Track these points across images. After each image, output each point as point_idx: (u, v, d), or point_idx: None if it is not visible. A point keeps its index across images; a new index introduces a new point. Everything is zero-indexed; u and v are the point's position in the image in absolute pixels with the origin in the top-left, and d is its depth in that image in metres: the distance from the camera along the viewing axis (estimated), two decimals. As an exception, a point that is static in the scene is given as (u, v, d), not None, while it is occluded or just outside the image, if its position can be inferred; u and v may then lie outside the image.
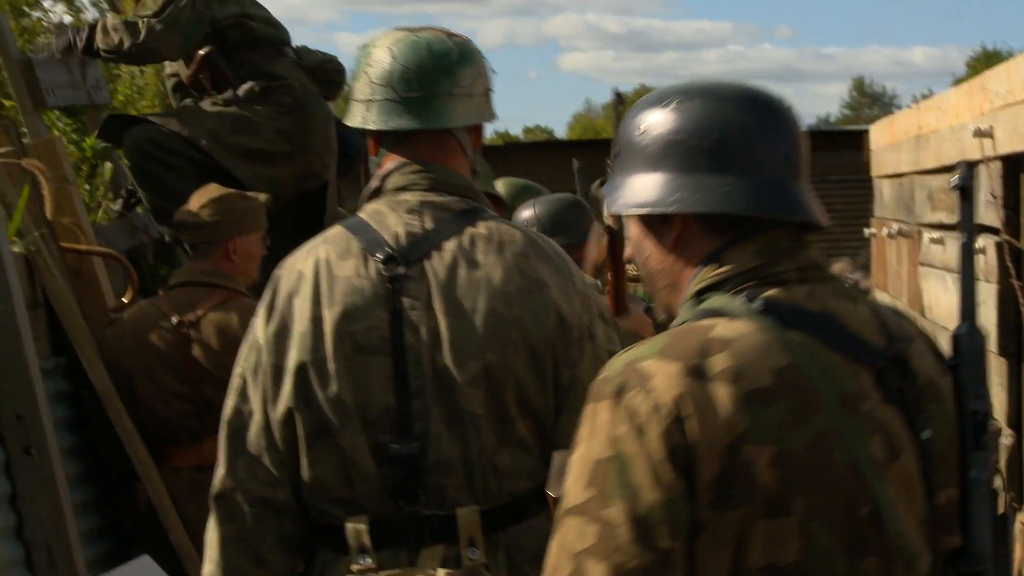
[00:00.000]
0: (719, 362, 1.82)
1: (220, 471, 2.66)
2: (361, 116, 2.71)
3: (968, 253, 1.92)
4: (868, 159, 7.25)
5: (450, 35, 2.73)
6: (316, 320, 2.59)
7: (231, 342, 4.48)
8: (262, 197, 4.74)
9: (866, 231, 7.15)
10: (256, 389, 2.64)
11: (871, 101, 67.86)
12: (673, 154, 1.93)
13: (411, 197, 2.67)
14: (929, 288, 5.25)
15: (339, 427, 2.58)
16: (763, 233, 1.92)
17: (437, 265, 2.61)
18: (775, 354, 1.84)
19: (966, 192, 1.90)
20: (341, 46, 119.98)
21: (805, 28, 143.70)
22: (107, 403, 4.47)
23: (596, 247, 4.28)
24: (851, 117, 64.18)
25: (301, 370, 2.59)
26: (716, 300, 1.90)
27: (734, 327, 1.86)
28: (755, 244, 1.92)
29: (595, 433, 1.84)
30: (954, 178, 1.92)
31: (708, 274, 1.93)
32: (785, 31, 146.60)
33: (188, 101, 5.42)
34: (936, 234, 5.03)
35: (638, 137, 1.97)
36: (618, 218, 3.50)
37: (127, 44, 5.24)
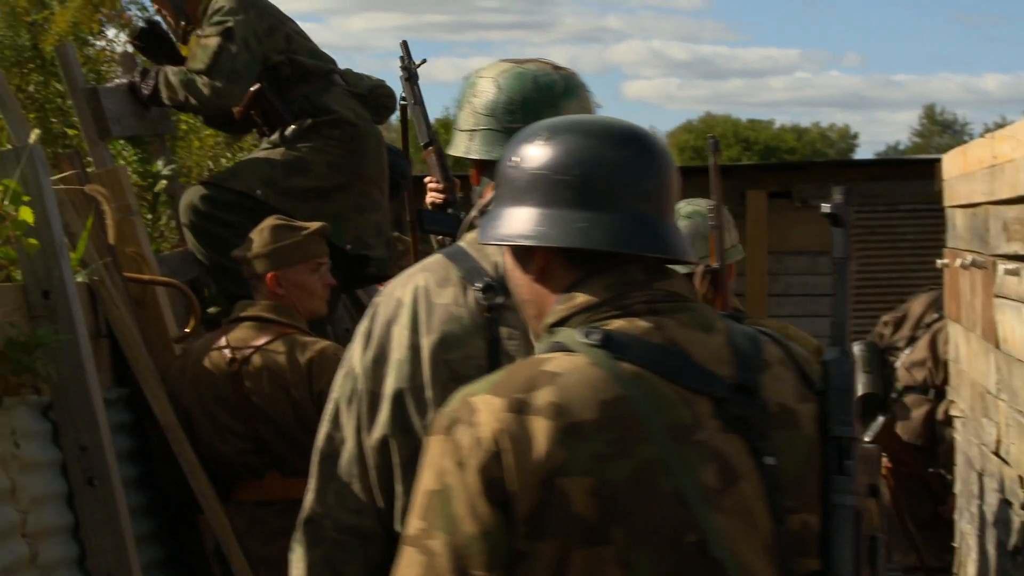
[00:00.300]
0: (542, 396, 1.90)
1: (310, 496, 2.66)
2: (464, 146, 2.73)
3: (842, 277, 1.99)
4: (940, 188, 7.14)
5: (556, 68, 2.74)
6: (414, 348, 2.57)
7: (277, 380, 4.45)
8: (313, 226, 4.70)
9: (938, 262, 7.03)
10: (350, 416, 2.63)
11: (942, 129, 67.28)
12: (538, 188, 2.02)
13: None
14: (1004, 320, 5.13)
15: None
16: (617, 267, 2.00)
17: None
18: (602, 387, 1.90)
19: (837, 219, 1.99)
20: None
21: (875, 55, 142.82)
22: (170, 435, 4.45)
23: (698, 282, 4.21)
24: (921, 145, 63.67)
25: (398, 397, 2.57)
26: (562, 334, 1.98)
27: (567, 361, 1.93)
28: (608, 278, 2.00)
29: (428, 465, 1.94)
30: (826, 205, 2.00)
31: (560, 307, 2.01)
32: (854, 58, 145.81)
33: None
34: (1012, 265, 4.92)
35: (510, 170, 2.07)
36: (720, 255, 3.58)
37: (193, 103, 5.30)
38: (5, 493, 3.65)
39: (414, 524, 1.93)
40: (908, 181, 9.22)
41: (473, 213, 2.74)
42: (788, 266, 9.21)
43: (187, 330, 4.83)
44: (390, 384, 2.58)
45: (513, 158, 2.07)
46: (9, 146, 4.39)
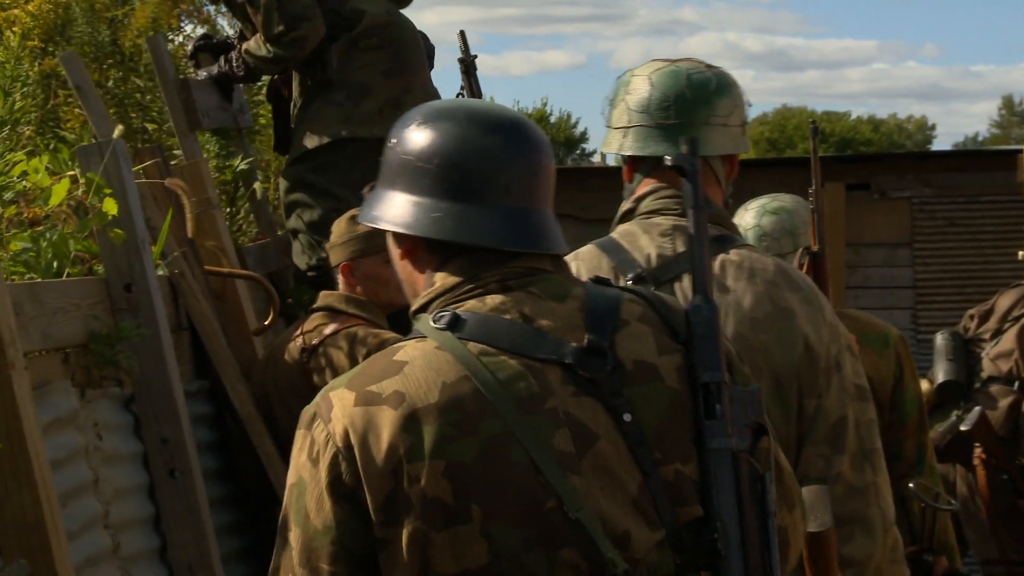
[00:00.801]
0: (389, 386, 1.96)
1: None
2: (618, 142, 2.80)
3: (701, 227, 2.04)
4: (1022, 179, 7.05)
5: (709, 66, 2.82)
6: None
7: (338, 373, 4.45)
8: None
9: (1020, 253, 6.95)
10: None
11: (1021, 120, 66.38)
12: (405, 174, 2.07)
13: (664, 221, 2.75)
14: (1089, 312, 5.06)
15: None
16: (470, 253, 2.04)
17: (687, 288, 2.63)
18: (445, 370, 1.96)
19: (683, 171, 2.04)
20: (478, 67, 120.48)
21: (953, 46, 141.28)
22: (249, 427, 4.48)
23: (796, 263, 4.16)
24: (1000, 136, 62.84)
25: None
26: (420, 320, 2.05)
27: (416, 348, 2.00)
28: (462, 260, 2.05)
29: (292, 459, 2.02)
30: (668, 158, 2.07)
31: (423, 293, 2.08)
32: (932, 49, 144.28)
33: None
34: (1096, 256, 4.85)
35: (387, 151, 2.11)
36: (820, 240, 3.59)
37: (283, 53, 5.17)
38: (88, 485, 3.69)
39: (281, 517, 2.03)
40: (988, 172, 9.10)
41: (625, 206, 2.79)
42: (866, 258, 9.10)
43: (266, 323, 4.85)
44: None
45: (392, 140, 2.11)
46: (92, 140, 4.43)
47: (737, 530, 1.94)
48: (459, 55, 5.55)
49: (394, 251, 2.12)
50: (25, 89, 3.19)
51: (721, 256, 2.69)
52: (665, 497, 1.96)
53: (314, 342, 4.48)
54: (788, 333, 2.65)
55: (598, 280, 2.12)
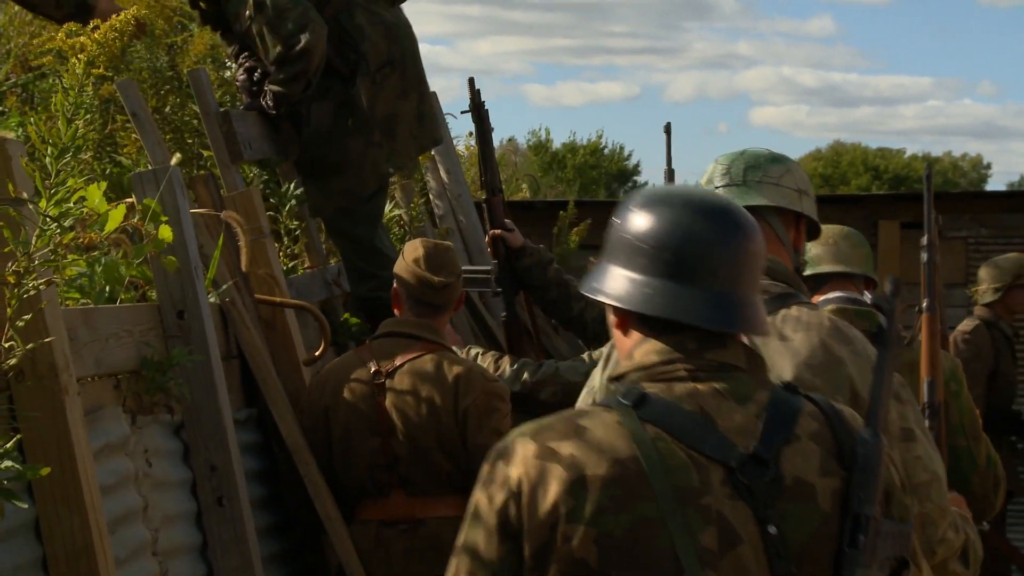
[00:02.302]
0: (567, 448, 2.14)
1: None
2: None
3: (886, 364, 2.29)
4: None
5: (768, 150, 3.21)
6: None
7: (422, 396, 4.46)
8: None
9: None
10: None
11: (1076, 159, 65.78)
12: (623, 251, 2.26)
13: None
14: None
15: None
16: (672, 333, 2.21)
17: (755, 337, 2.82)
18: (619, 445, 2.13)
19: (881, 309, 2.31)
20: (531, 97, 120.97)
21: (1010, 83, 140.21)
22: (297, 456, 4.48)
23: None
24: (1054, 176, 62.33)
25: None
26: (611, 391, 2.25)
27: (599, 417, 2.17)
28: (662, 342, 2.22)
29: (476, 488, 2.21)
30: (868, 296, 2.26)
31: (623, 364, 2.25)
32: (988, 87, 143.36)
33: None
34: None
35: (611, 230, 2.31)
36: (932, 292, 3.79)
37: (297, 75, 5.32)
38: (137, 511, 3.69)
39: (458, 538, 2.21)
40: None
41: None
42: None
43: (318, 353, 4.86)
44: None
45: (616, 219, 2.30)
46: (147, 167, 4.45)
47: None
48: (471, 102, 5.67)
49: (610, 319, 2.31)
50: (88, 116, 3.22)
51: (783, 311, 2.97)
52: None
53: (393, 367, 4.50)
54: (838, 379, 2.90)
55: (787, 387, 2.25)
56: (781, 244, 3.12)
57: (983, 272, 7.41)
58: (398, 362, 4.52)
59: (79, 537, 3.19)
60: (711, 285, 2.21)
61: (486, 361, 5.14)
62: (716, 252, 2.22)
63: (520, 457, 2.17)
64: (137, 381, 3.82)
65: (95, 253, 3.88)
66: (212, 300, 4.33)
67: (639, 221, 2.25)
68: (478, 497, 2.20)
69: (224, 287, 4.44)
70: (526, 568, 2.13)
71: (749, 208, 2.90)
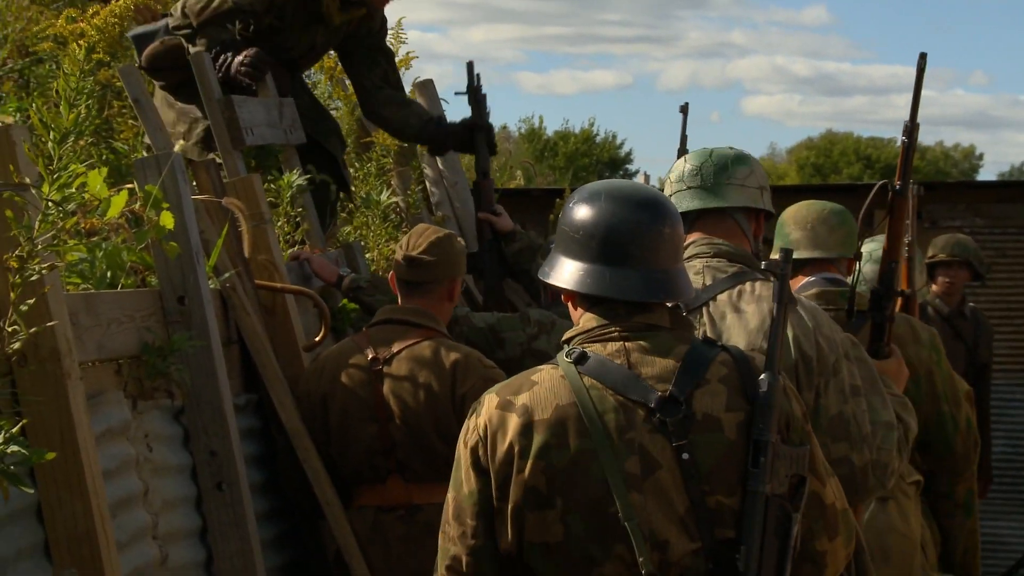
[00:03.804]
0: (521, 399, 2.70)
1: None
2: (678, 203, 3.60)
3: (782, 319, 2.72)
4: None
5: (732, 149, 3.66)
6: None
7: (420, 382, 4.47)
8: (462, 241, 4.76)
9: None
10: None
11: (1068, 150, 65.83)
12: (563, 241, 2.77)
13: (697, 263, 3.55)
14: None
15: None
16: (606, 304, 2.73)
17: (713, 311, 3.49)
18: (561, 395, 2.67)
19: (775, 273, 2.85)
20: (523, 85, 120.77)
21: (1002, 74, 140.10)
22: (296, 441, 4.49)
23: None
24: (1047, 166, 62.36)
25: None
26: (562, 351, 2.74)
27: (548, 372, 2.72)
28: (598, 311, 2.75)
29: (459, 438, 2.77)
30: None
31: (570, 330, 2.78)
32: (981, 77, 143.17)
33: None
34: None
35: (559, 224, 2.81)
36: (912, 283, 4.35)
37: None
38: (138, 496, 3.70)
39: (451, 478, 2.77)
40: (1038, 204, 9.03)
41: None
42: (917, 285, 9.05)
43: (318, 338, 4.86)
44: None
45: (561, 214, 2.79)
46: (145, 153, 4.46)
47: (757, 554, 2.59)
48: (470, 85, 5.67)
49: (563, 297, 2.82)
50: (89, 102, 3.22)
51: (739, 286, 3.51)
52: (706, 519, 2.60)
53: (391, 353, 4.51)
54: (784, 342, 3.28)
55: (706, 340, 2.74)
56: (744, 236, 3.64)
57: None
58: (396, 349, 4.53)
59: (81, 521, 3.20)
60: (634, 264, 2.71)
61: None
62: (635, 237, 2.70)
63: (486, 408, 2.72)
64: (138, 366, 3.83)
65: (95, 239, 3.88)
66: (213, 286, 4.34)
67: (572, 215, 2.76)
68: (460, 443, 2.74)
69: (226, 275, 4.44)
70: (495, 497, 2.68)
71: (718, 209, 3.58)
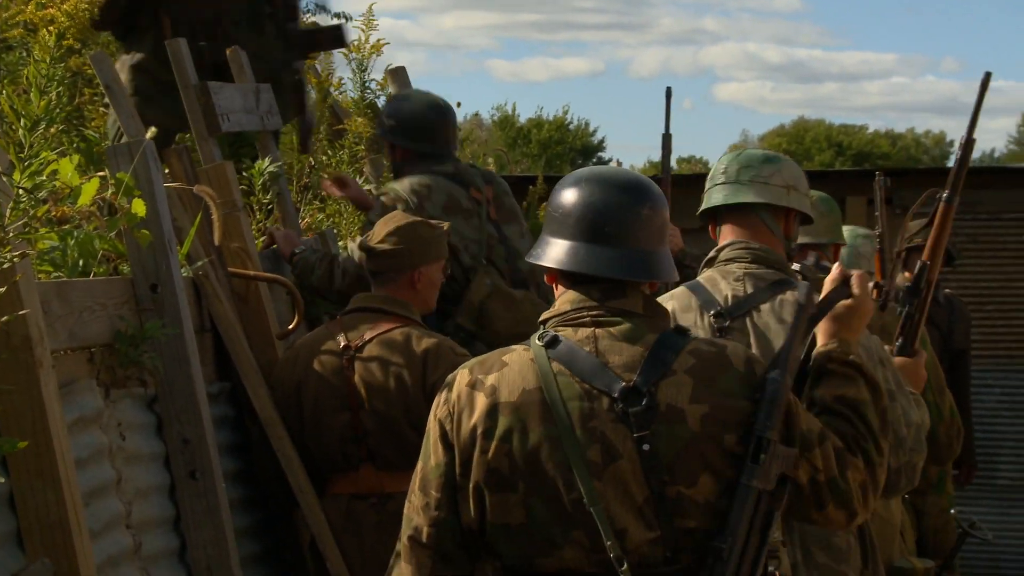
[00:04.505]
0: (490, 379, 2.71)
1: None
2: (706, 200, 3.68)
3: (800, 322, 2.81)
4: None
5: (764, 150, 3.74)
6: None
7: (391, 370, 4.47)
8: (445, 226, 4.74)
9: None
10: None
11: (1039, 136, 66.13)
12: (549, 222, 2.79)
13: (737, 268, 3.58)
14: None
15: None
16: (583, 284, 2.74)
17: (757, 321, 3.50)
18: (529, 379, 2.68)
19: (805, 276, 3.25)
20: (494, 72, 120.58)
21: (973, 60, 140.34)
22: (270, 430, 4.48)
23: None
24: (1018, 153, 62.67)
25: None
26: (537, 332, 2.74)
27: (518, 354, 2.73)
28: (573, 293, 2.75)
29: (431, 410, 2.78)
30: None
31: (546, 312, 2.78)
32: (952, 63, 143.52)
33: None
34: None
35: (548, 208, 2.82)
36: (885, 273, 4.30)
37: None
38: (111, 485, 3.69)
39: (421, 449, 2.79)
40: (1011, 190, 9.06)
41: (711, 253, 3.62)
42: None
43: (291, 327, 4.85)
44: None
45: (550, 200, 2.81)
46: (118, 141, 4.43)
47: (741, 541, 2.61)
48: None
49: (547, 277, 2.83)
50: (60, 89, 3.20)
51: (779, 296, 3.50)
52: (665, 509, 2.61)
53: (362, 341, 4.50)
54: None
55: (677, 329, 2.73)
56: (772, 234, 3.62)
57: None
58: (367, 336, 4.52)
59: (53, 510, 3.19)
60: (612, 243, 2.71)
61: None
62: (614, 216, 2.71)
63: (457, 384, 2.74)
64: (110, 354, 3.82)
65: (67, 227, 3.86)
66: (186, 274, 4.32)
67: (558, 197, 2.78)
68: (431, 415, 2.77)
69: (199, 263, 4.42)
70: (458, 474, 2.70)
71: (742, 204, 3.59)
